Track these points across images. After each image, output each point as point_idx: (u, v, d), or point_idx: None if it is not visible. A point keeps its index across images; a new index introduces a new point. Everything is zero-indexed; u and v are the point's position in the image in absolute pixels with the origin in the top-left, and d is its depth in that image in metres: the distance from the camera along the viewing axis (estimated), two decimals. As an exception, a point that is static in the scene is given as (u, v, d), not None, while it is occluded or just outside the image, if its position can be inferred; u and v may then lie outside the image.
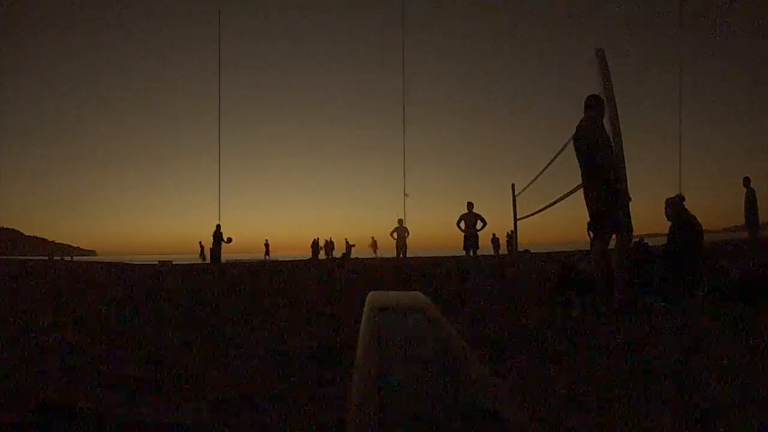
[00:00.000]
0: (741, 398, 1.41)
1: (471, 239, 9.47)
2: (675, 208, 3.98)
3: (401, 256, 12.81)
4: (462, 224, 9.43)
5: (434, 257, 18.49)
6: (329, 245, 25.73)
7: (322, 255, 24.98)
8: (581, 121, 3.56)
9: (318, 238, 25.58)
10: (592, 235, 3.44)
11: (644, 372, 1.71)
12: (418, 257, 17.36)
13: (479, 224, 9.48)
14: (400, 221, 12.65)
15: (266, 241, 25.91)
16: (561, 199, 5.74)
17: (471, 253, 9.59)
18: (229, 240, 13.45)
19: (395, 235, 12.56)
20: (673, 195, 4.08)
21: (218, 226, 13.66)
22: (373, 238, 26.69)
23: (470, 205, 9.53)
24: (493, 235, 22.02)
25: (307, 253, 24.91)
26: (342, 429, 1.26)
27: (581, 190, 3.61)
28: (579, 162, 3.53)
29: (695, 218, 3.91)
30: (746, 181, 8.92)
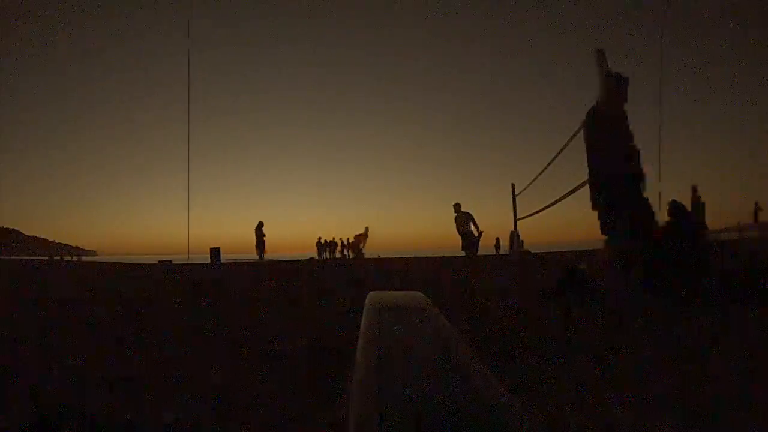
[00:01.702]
0: (741, 398, 1.41)
1: (467, 239, 9.51)
2: (676, 205, 3.97)
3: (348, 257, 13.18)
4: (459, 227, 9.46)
5: (435, 258, 18.46)
6: (331, 245, 25.61)
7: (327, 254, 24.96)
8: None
9: (321, 238, 25.50)
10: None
11: (644, 372, 1.71)
12: (418, 258, 17.36)
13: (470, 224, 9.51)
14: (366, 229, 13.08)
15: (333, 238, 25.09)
16: (561, 199, 5.75)
17: (468, 253, 9.66)
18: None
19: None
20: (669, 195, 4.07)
21: (260, 223, 13.79)
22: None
23: (458, 206, 9.52)
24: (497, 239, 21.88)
25: (307, 253, 24.94)
26: (342, 429, 1.26)
27: (582, 190, 3.58)
28: None
29: (696, 216, 3.91)
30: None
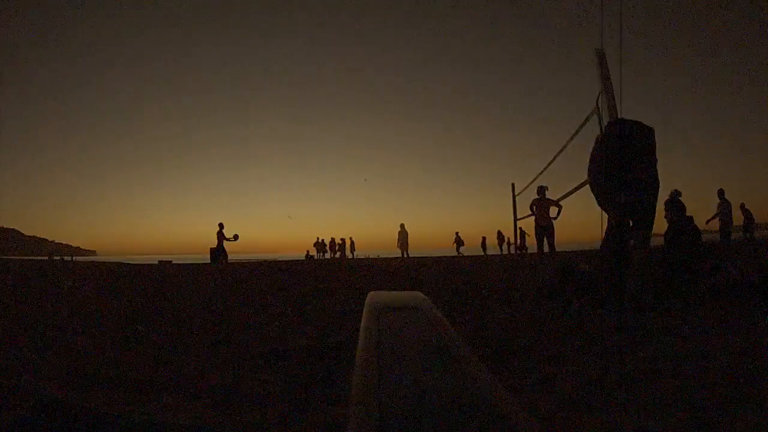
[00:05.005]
0: (741, 398, 1.41)
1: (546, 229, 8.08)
2: (675, 206, 3.98)
3: (404, 256, 13.92)
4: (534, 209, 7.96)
5: (435, 257, 18.46)
6: (321, 245, 25.62)
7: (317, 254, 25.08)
8: None
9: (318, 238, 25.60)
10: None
11: (644, 372, 1.70)
12: (422, 257, 17.40)
13: (554, 210, 7.95)
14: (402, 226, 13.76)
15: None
16: (561, 198, 5.75)
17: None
18: (236, 237, 13.38)
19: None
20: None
21: (221, 225, 13.56)
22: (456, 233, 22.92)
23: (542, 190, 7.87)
24: (499, 232, 21.54)
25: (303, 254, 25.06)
26: (342, 429, 1.26)
27: (582, 190, 3.58)
28: None
29: (692, 217, 3.94)
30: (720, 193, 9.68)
